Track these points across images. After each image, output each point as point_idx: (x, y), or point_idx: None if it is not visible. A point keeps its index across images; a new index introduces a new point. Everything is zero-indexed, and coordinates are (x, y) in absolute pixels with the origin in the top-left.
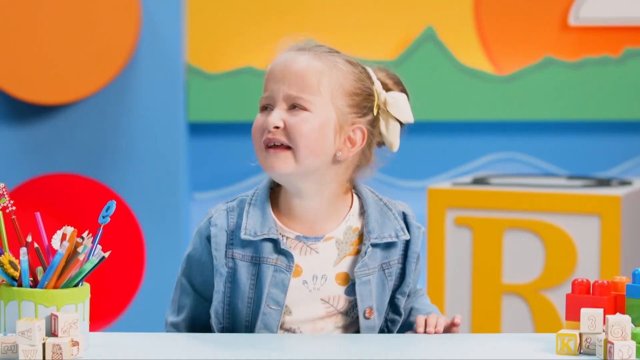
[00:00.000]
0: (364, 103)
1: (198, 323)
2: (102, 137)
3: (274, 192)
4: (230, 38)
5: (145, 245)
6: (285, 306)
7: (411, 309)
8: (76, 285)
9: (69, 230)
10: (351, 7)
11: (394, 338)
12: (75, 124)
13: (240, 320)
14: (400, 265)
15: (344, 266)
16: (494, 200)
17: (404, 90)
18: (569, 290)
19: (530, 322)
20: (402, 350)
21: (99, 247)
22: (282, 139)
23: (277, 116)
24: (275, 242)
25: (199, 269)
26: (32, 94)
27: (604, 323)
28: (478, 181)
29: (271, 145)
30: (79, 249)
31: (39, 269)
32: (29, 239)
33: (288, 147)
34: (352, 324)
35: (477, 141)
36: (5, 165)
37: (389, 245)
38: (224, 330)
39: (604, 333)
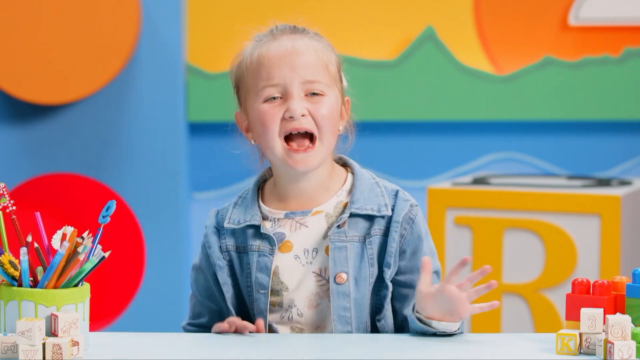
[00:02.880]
0: (341, 74)
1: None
2: (102, 137)
3: (263, 185)
4: (230, 38)
5: (145, 245)
6: (282, 282)
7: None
8: (76, 285)
9: (69, 230)
10: (351, 7)
11: (394, 338)
12: (75, 124)
13: (247, 309)
14: (382, 236)
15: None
16: (494, 200)
17: None
18: (569, 290)
19: (530, 322)
20: (401, 350)
21: (99, 247)
22: (309, 126)
23: (301, 105)
24: (256, 228)
25: (204, 275)
26: (32, 94)
27: (604, 323)
28: (478, 181)
29: (295, 134)
30: (79, 249)
31: (39, 269)
32: (29, 239)
33: (311, 138)
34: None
35: (477, 141)
36: (5, 165)
37: (371, 218)
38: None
39: (604, 333)
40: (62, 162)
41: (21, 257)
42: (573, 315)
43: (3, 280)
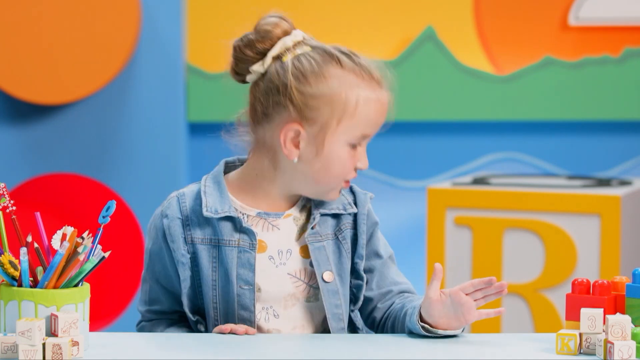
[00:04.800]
0: None
1: (175, 313)
2: (102, 137)
3: (228, 175)
4: (230, 38)
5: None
6: (255, 283)
7: (405, 312)
8: (76, 285)
9: (69, 230)
10: (351, 7)
11: (393, 338)
12: (75, 124)
13: (208, 302)
14: (352, 230)
15: (304, 240)
16: (494, 200)
17: None
18: (569, 290)
19: (530, 322)
20: (401, 350)
21: (99, 247)
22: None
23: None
24: (234, 221)
25: (161, 262)
26: (32, 94)
27: (604, 323)
28: (478, 181)
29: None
30: (79, 249)
31: (39, 269)
32: (29, 239)
33: None
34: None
35: (477, 141)
36: (5, 165)
37: (338, 215)
38: (195, 313)
39: (604, 333)
40: (62, 162)
41: (21, 257)
42: (573, 315)
43: (3, 280)
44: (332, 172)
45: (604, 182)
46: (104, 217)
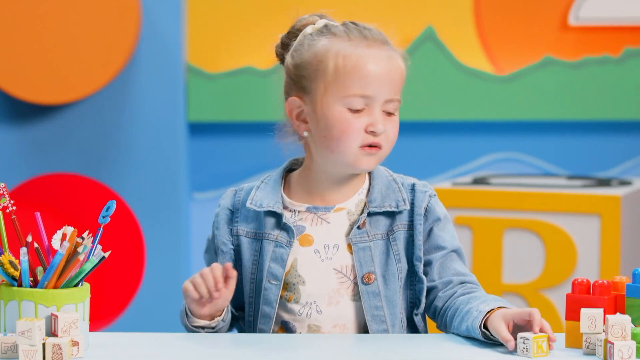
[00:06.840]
0: None
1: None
2: (102, 137)
3: (287, 175)
4: (230, 38)
5: (145, 245)
6: (299, 276)
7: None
8: (76, 285)
9: (69, 230)
10: (351, 7)
11: (391, 337)
12: (75, 124)
13: (245, 297)
14: (406, 231)
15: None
16: (494, 200)
17: None
18: (569, 290)
19: None
20: (400, 350)
21: (99, 247)
22: (383, 144)
23: (383, 123)
24: (278, 217)
25: (213, 249)
26: (32, 94)
27: (604, 323)
28: (478, 181)
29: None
30: (79, 249)
31: (39, 269)
32: (29, 239)
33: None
34: None
35: (477, 141)
36: (5, 165)
37: (392, 214)
38: (238, 309)
39: (604, 333)
40: (62, 162)
41: (21, 257)
42: (573, 315)
43: (3, 280)
44: (335, 135)
45: (604, 182)
46: (104, 217)
